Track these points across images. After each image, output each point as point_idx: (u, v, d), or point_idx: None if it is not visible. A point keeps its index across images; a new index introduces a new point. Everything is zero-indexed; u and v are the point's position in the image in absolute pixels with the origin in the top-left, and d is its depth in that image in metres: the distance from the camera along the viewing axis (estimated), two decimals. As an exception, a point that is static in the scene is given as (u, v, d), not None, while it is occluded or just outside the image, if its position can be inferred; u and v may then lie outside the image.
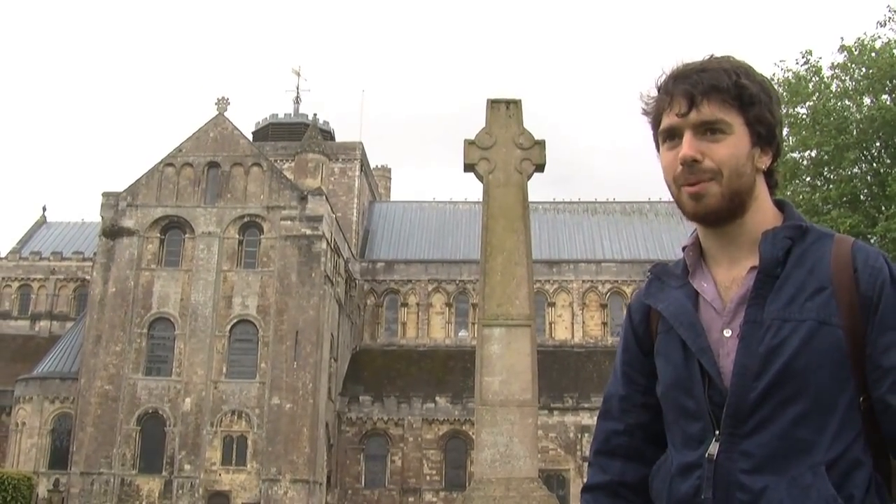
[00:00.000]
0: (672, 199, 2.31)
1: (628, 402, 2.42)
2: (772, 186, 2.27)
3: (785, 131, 26.63)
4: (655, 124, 2.29)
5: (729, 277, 2.24)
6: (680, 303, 2.28)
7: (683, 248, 2.36)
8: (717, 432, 2.12)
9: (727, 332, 2.17)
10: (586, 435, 53.94)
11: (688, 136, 2.17)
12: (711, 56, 2.27)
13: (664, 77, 2.26)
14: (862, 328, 2.05)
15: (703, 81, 2.17)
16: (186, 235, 53.09)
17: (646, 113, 2.32)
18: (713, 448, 2.12)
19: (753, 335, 2.10)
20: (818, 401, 2.04)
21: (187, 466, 49.17)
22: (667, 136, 2.24)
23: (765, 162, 2.22)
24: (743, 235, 2.22)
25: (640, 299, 2.45)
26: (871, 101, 25.88)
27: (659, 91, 2.27)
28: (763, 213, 2.22)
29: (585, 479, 2.53)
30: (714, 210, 2.17)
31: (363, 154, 69.40)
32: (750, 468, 2.06)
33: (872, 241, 24.82)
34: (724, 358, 2.15)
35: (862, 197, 26.07)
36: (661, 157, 2.27)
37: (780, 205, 2.29)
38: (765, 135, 2.20)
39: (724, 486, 2.08)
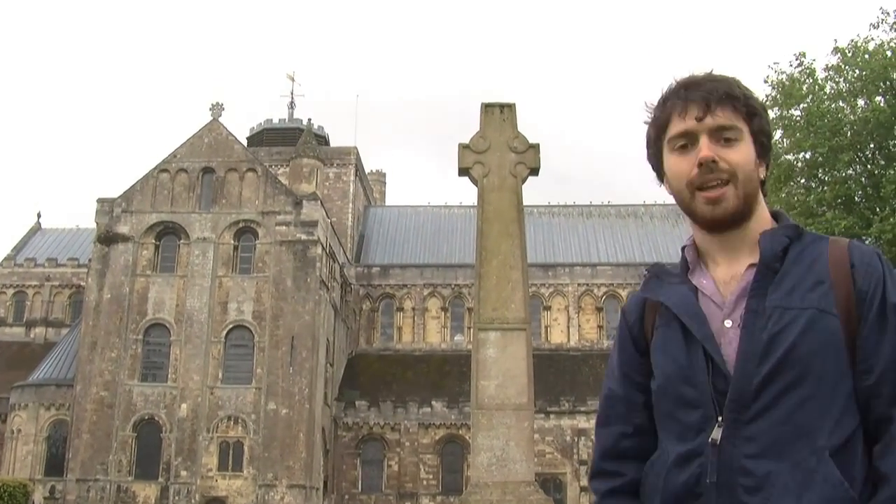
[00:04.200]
0: (674, 204, 2.40)
1: (631, 403, 2.47)
2: (763, 195, 2.40)
3: (779, 133, 26.77)
4: (661, 131, 2.37)
5: (728, 274, 2.32)
6: (683, 294, 2.35)
7: (683, 248, 2.45)
8: (720, 418, 2.17)
9: (728, 323, 2.25)
10: (583, 438, 53.94)
11: (704, 140, 2.27)
12: (711, 72, 2.39)
13: (674, 86, 2.37)
14: (856, 322, 2.14)
15: (718, 89, 2.29)
16: (181, 241, 53.05)
17: (653, 120, 2.41)
18: (716, 433, 2.17)
19: (756, 323, 2.18)
20: (820, 386, 2.11)
21: (183, 472, 49.08)
22: (678, 143, 2.33)
23: (762, 172, 2.34)
24: (743, 238, 2.32)
25: (638, 296, 2.51)
26: (865, 103, 25.93)
27: (668, 98, 2.36)
28: (762, 219, 2.34)
29: (597, 486, 2.51)
30: (732, 213, 2.28)
31: (358, 159, 69.39)
32: (753, 453, 2.11)
33: (867, 242, 24.86)
34: (726, 346, 2.23)
35: (856, 198, 26.12)
36: (671, 163, 2.36)
37: (774, 215, 2.40)
38: (765, 146, 2.34)
39: (727, 471, 2.13)
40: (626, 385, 2.47)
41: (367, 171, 75.00)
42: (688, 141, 2.30)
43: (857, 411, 2.12)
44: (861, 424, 2.12)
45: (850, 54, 25.98)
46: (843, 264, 2.19)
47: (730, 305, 2.26)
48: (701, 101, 2.27)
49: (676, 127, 2.32)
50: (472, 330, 10.44)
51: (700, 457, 2.18)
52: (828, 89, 26.50)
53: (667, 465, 2.27)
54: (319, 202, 54.17)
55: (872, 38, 26.15)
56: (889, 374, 2.10)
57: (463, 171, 9.90)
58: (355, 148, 69.17)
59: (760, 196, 2.34)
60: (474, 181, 9.87)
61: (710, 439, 2.17)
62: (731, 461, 2.13)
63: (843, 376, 2.12)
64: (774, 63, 27.16)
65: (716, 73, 2.37)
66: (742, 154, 2.27)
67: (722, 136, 2.26)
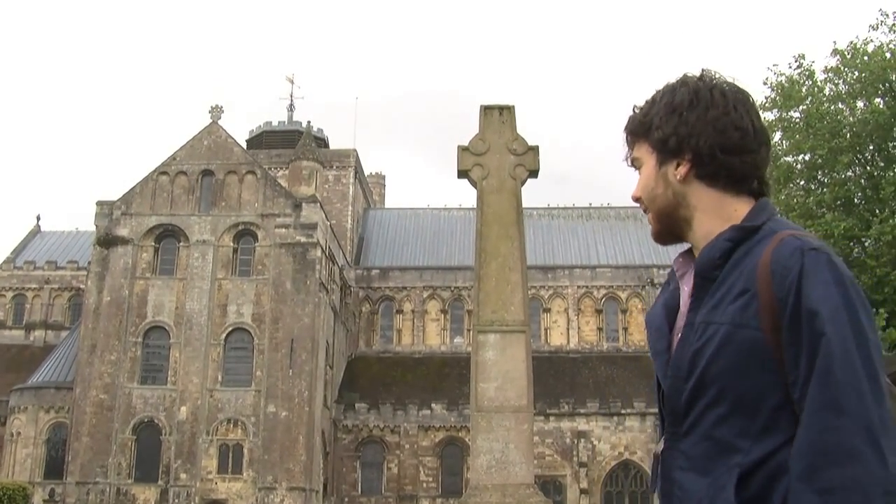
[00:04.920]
0: None
1: None
2: (734, 180, 2.23)
3: (778, 135, 26.76)
4: None
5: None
6: (655, 310, 2.37)
7: (679, 254, 2.43)
8: (665, 431, 2.22)
9: (678, 336, 2.22)
10: (582, 440, 53.96)
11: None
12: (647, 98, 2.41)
13: None
14: (780, 332, 2.00)
15: (624, 132, 2.40)
16: (181, 244, 53.06)
17: None
18: (660, 446, 2.22)
19: (687, 338, 2.15)
20: (738, 404, 2.03)
21: (183, 475, 49.07)
22: None
23: (680, 172, 2.24)
24: (696, 242, 2.27)
25: None
26: (864, 105, 25.93)
27: None
28: (712, 220, 2.23)
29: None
30: (655, 234, 2.38)
31: (357, 161, 69.41)
32: (683, 466, 2.12)
33: (867, 244, 24.87)
34: None
35: (856, 200, 26.09)
36: None
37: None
38: (669, 149, 2.25)
39: (667, 481, 2.18)
40: None
41: (366, 173, 75.02)
42: None
43: (793, 420, 1.98)
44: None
45: (849, 56, 25.97)
46: (767, 268, 2.02)
47: (682, 317, 2.23)
48: (626, 146, 2.40)
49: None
50: (471, 332, 10.43)
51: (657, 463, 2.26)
52: (827, 91, 26.49)
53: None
54: (319, 204, 54.19)
55: (871, 40, 26.15)
56: (806, 387, 1.93)
57: (462, 174, 9.90)
58: (355, 150, 69.20)
59: (701, 198, 2.23)
60: (473, 183, 9.87)
61: (656, 450, 2.26)
62: (668, 473, 2.17)
63: (769, 390, 2.00)
64: (774, 65, 27.16)
65: (653, 92, 2.37)
66: (641, 179, 2.34)
67: (635, 168, 2.38)
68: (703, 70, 2.31)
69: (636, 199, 2.37)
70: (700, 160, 2.22)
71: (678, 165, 2.24)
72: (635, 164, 2.37)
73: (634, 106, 2.37)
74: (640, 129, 2.32)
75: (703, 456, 2.08)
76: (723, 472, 2.03)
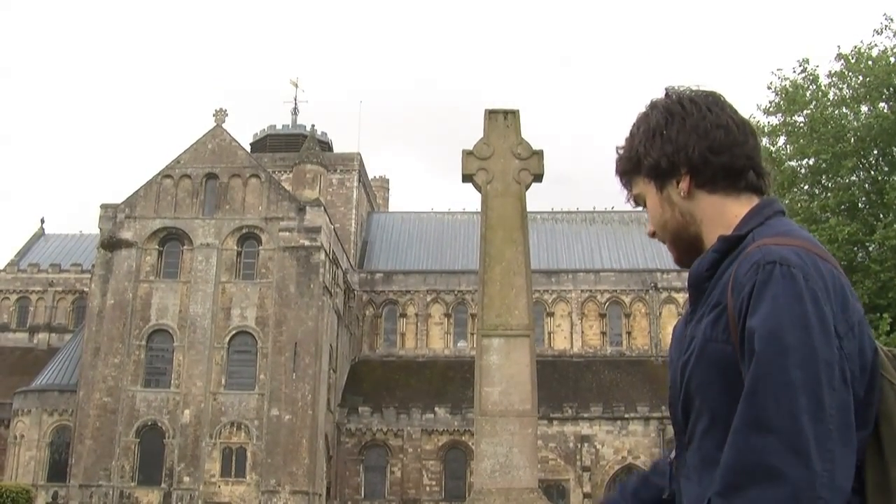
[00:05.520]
0: None
1: None
2: (730, 179, 2.24)
3: (782, 140, 26.76)
4: None
5: None
6: (680, 320, 2.37)
7: None
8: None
9: None
10: (586, 445, 53.92)
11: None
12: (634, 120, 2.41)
13: None
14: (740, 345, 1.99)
15: (615, 172, 2.44)
16: (185, 247, 53.08)
17: None
18: (673, 453, 2.30)
19: (679, 351, 2.20)
20: (715, 416, 2.03)
21: (186, 478, 49.06)
22: None
23: (682, 188, 2.26)
24: None
25: None
26: (869, 110, 25.90)
27: None
28: (716, 230, 2.23)
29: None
30: (677, 261, 2.38)
31: (361, 165, 69.45)
32: (686, 475, 2.18)
33: (871, 248, 24.86)
34: None
35: (860, 205, 26.08)
36: None
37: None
38: (657, 174, 2.29)
39: (677, 488, 2.25)
40: None
41: (370, 176, 75.05)
42: None
43: None
44: None
45: (853, 60, 25.96)
46: (731, 282, 2.01)
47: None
48: (623, 189, 2.44)
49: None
50: (475, 336, 10.44)
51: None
52: (831, 95, 26.47)
53: None
54: (323, 208, 54.20)
55: (876, 45, 26.16)
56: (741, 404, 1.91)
57: (467, 178, 9.92)
58: (359, 154, 69.23)
59: (705, 210, 2.25)
60: (478, 187, 9.89)
61: (669, 459, 2.35)
62: (678, 480, 2.25)
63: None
64: (778, 69, 27.07)
65: (641, 112, 2.38)
66: (650, 212, 2.36)
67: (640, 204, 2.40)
68: (665, 89, 2.35)
69: (652, 235, 2.41)
70: (696, 169, 2.24)
71: (678, 183, 2.27)
72: (638, 201, 2.41)
73: (617, 147, 2.41)
74: (630, 165, 2.36)
75: (697, 466, 2.11)
76: (710, 484, 2.00)
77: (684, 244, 2.31)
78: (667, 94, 2.32)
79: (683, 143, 2.23)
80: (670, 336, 2.38)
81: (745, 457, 1.85)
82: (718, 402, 2.02)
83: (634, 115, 2.39)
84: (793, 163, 26.56)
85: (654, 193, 2.31)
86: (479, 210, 10.03)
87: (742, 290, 1.96)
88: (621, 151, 2.39)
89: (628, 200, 2.44)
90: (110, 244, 52.81)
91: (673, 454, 2.30)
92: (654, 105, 2.33)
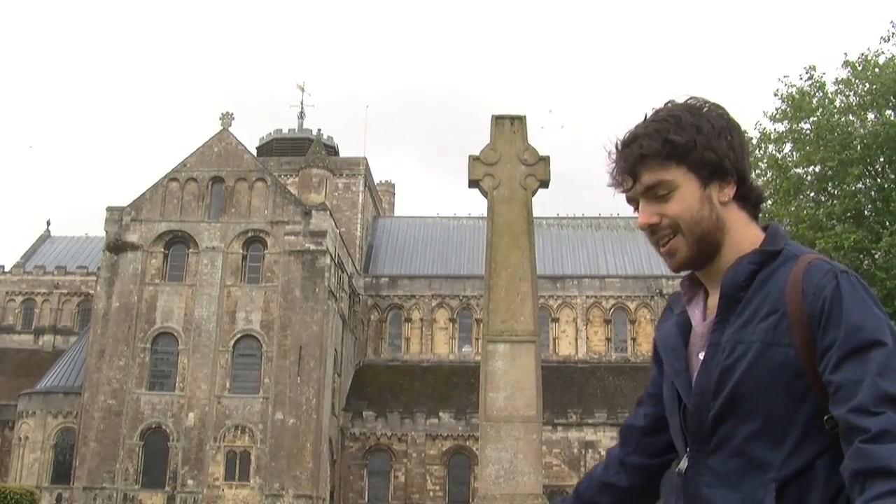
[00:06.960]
0: None
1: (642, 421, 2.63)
2: (754, 204, 2.35)
3: (789, 146, 26.70)
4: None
5: (713, 304, 2.34)
6: (668, 330, 2.44)
7: (683, 279, 2.48)
8: (688, 449, 2.27)
9: (701, 356, 2.28)
10: (590, 451, 53.87)
11: (642, 205, 2.34)
12: (652, 111, 2.37)
13: (608, 160, 2.40)
14: (813, 347, 2.08)
15: (633, 154, 2.31)
16: (190, 250, 53.17)
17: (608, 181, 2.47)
18: (683, 464, 2.28)
19: (713, 357, 2.21)
20: (770, 419, 2.11)
21: (190, 481, 49.09)
22: (630, 205, 2.40)
23: (727, 194, 2.30)
24: (718, 270, 2.31)
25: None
26: (875, 117, 25.84)
27: (609, 166, 2.41)
28: (739, 243, 2.30)
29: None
30: (687, 261, 2.32)
31: (367, 169, 69.51)
32: (712, 482, 2.18)
33: (877, 256, 24.78)
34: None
35: (866, 212, 26.01)
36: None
37: (767, 230, 2.35)
38: (714, 171, 2.28)
39: (691, 498, 2.23)
40: (651, 404, 2.60)
41: (376, 181, 75.11)
42: (634, 204, 2.36)
43: (824, 432, 2.07)
44: (830, 445, 2.07)
45: (860, 68, 25.91)
46: (797, 288, 2.12)
47: (705, 337, 2.28)
48: (624, 173, 2.33)
49: (620, 194, 2.40)
50: (480, 341, 10.44)
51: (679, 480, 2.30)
52: (838, 103, 26.41)
53: (666, 484, 2.42)
54: (328, 212, 54.25)
55: (883, 52, 26.09)
56: (858, 388, 2.00)
57: (473, 183, 9.91)
58: (364, 158, 69.30)
59: (732, 219, 2.30)
60: (484, 193, 9.88)
61: (677, 469, 2.31)
62: (694, 489, 2.22)
63: (799, 406, 2.10)
64: (784, 76, 27.01)
65: (659, 108, 2.36)
66: (680, 203, 2.27)
67: (655, 194, 2.29)
68: (696, 97, 2.36)
69: (644, 227, 2.34)
70: (741, 181, 2.32)
71: (722, 188, 2.30)
72: (659, 187, 2.30)
73: (657, 129, 2.29)
74: (665, 152, 2.27)
75: (735, 472, 2.15)
76: (757, 487, 2.09)
77: (706, 247, 2.30)
78: (706, 102, 2.35)
79: (741, 154, 2.31)
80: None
81: (883, 389, 1.96)
82: (775, 403, 2.10)
83: (649, 110, 2.37)
84: (799, 170, 26.51)
85: (695, 188, 2.28)
86: (485, 215, 10.03)
87: (819, 293, 2.08)
88: (667, 134, 2.29)
89: (629, 188, 2.34)
90: (116, 247, 52.91)
91: (683, 464, 2.28)
92: (708, 105, 2.34)
